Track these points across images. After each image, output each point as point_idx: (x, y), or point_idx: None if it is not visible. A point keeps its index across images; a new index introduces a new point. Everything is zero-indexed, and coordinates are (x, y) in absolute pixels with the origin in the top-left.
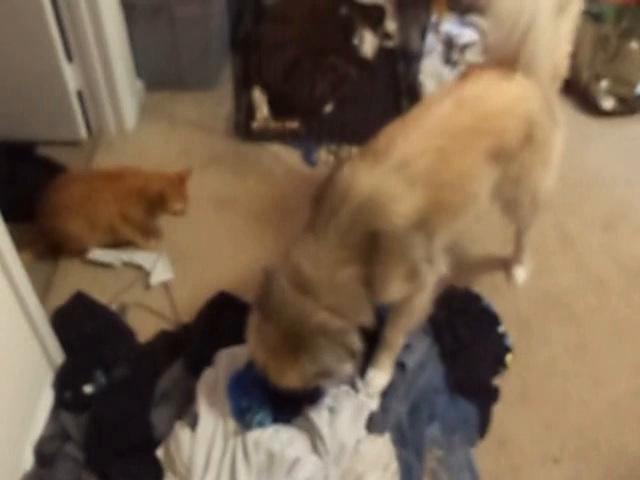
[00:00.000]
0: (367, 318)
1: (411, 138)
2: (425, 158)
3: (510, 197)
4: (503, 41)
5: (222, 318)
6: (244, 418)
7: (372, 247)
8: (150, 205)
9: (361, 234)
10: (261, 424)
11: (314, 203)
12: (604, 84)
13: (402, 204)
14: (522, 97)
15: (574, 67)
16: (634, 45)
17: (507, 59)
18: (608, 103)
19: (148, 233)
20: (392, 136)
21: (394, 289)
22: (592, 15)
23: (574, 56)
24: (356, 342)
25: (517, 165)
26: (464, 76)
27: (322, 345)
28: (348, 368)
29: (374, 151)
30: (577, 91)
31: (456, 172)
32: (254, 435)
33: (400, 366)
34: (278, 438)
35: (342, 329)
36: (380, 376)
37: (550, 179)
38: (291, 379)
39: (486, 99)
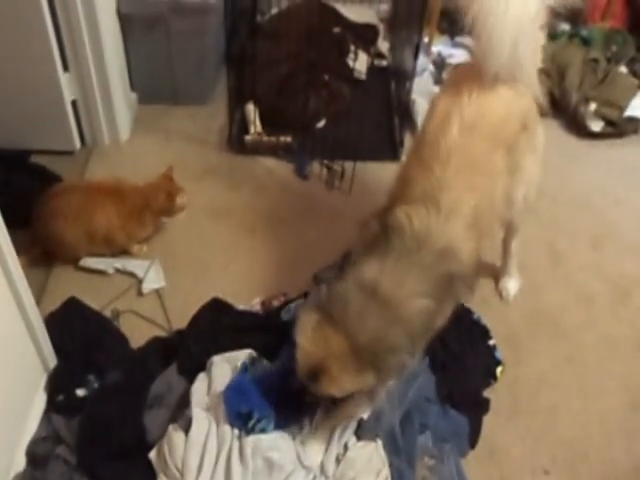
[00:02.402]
0: (418, 351)
1: (448, 183)
2: (467, 197)
3: (505, 190)
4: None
5: (216, 324)
6: (245, 424)
7: (444, 287)
8: (157, 214)
9: (440, 274)
10: (263, 431)
11: (367, 239)
12: (593, 107)
13: (468, 246)
14: (515, 97)
15: (564, 89)
16: (622, 69)
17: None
18: (597, 125)
19: (142, 241)
20: (425, 183)
21: (440, 327)
22: (581, 39)
23: (563, 79)
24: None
25: (514, 155)
26: (452, 87)
27: (391, 364)
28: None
29: (419, 199)
30: (566, 113)
31: (489, 200)
32: (252, 440)
33: None
34: (277, 446)
35: (409, 349)
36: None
37: (538, 171)
38: (344, 387)
39: (487, 114)
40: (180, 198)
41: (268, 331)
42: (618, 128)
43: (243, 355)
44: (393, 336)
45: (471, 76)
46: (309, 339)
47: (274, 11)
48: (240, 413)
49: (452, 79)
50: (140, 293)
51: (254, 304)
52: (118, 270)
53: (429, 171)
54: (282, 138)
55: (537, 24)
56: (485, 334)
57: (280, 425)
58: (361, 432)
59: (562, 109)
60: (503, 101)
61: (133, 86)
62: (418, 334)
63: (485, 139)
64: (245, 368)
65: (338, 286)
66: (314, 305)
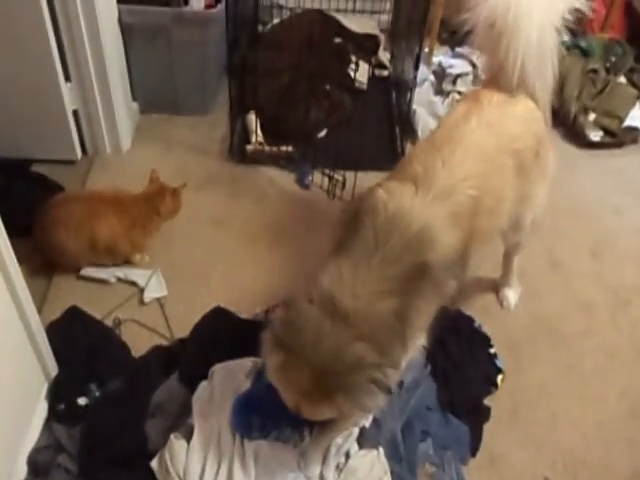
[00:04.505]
0: (397, 358)
1: (451, 164)
2: (468, 185)
3: (515, 216)
4: (499, 68)
5: (218, 332)
6: (257, 435)
7: (415, 279)
8: (165, 217)
9: (408, 265)
10: (277, 441)
11: (343, 228)
12: (592, 117)
13: (450, 235)
14: (533, 118)
15: (563, 100)
16: (621, 79)
17: (503, 82)
18: (596, 135)
19: (143, 250)
20: (428, 161)
21: (425, 325)
22: (580, 49)
23: (563, 89)
24: (391, 378)
25: (527, 182)
26: (473, 98)
27: (359, 384)
28: (381, 403)
29: (412, 176)
30: (566, 123)
31: (494, 196)
32: (254, 448)
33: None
34: (278, 454)
35: (377, 364)
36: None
37: (545, 195)
38: (327, 416)
39: (505, 122)
40: (178, 199)
41: None
42: (617, 138)
43: (245, 364)
44: (353, 353)
45: (489, 91)
46: (279, 382)
47: (275, 21)
48: (252, 425)
49: (470, 94)
50: (142, 302)
51: (256, 313)
52: (119, 279)
53: (437, 150)
54: (283, 148)
55: (558, 36)
56: (486, 342)
57: (283, 435)
58: (363, 440)
59: (561, 119)
60: (520, 118)
61: (134, 96)
62: (387, 342)
63: (501, 140)
64: (259, 375)
65: (291, 311)
66: (274, 341)
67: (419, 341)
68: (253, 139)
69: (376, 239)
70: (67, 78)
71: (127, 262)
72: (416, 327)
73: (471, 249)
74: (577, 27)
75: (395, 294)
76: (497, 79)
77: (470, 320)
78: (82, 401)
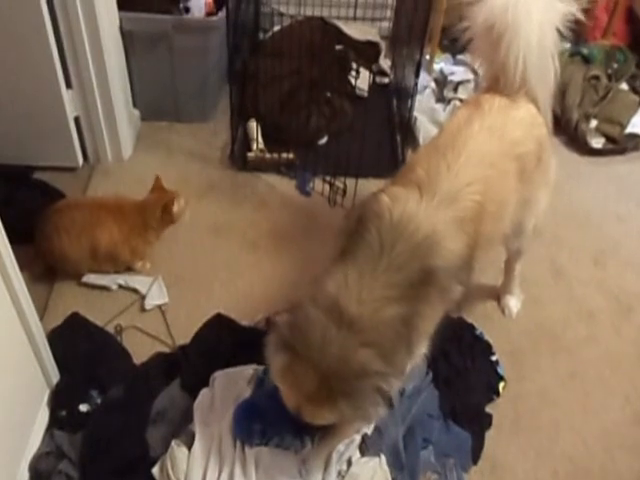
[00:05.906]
0: (401, 364)
1: (455, 169)
2: (472, 190)
3: (517, 221)
4: (499, 71)
5: (219, 339)
6: (258, 441)
7: (421, 285)
8: (160, 228)
9: (414, 271)
10: (278, 447)
11: (347, 234)
12: (594, 124)
13: (456, 240)
14: (534, 123)
15: (564, 106)
16: (623, 86)
17: (505, 86)
18: (598, 142)
19: (145, 257)
20: (432, 166)
21: (431, 331)
22: (582, 56)
23: (564, 96)
24: (394, 387)
25: (529, 187)
26: (474, 103)
27: (363, 391)
28: (382, 412)
29: (416, 182)
30: (567, 130)
31: (498, 201)
32: (255, 455)
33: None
34: (279, 461)
35: (383, 372)
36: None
37: (547, 200)
38: (328, 420)
39: (508, 126)
40: (177, 204)
41: None
42: (619, 145)
43: (247, 371)
44: (358, 360)
45: (492, 96)
46: (283, 382)
47: (276, 28)
48: (253, 431)
49: (472, 99)
50: (143, 309)
51: (257, 320)
52: (121, 286)
53: (440, 156)
54: (284, 155)
55: (558, 36)
56: (488, 349)
57: (284, 442)
58: (364, 447)
59: (563, 126)
60: (522, 122)
61: (136, 103)
62: (393, 349)
63: (504, 144)
64: (261, 382)
65: (298, 314)
66: (280, 342)
67: (423, 348)
68: (254, 146)
69: (382, 245)
70: (68, 85)
71: (128, 269)
72: (422, 333)
73: (476, 254)
74: (579, 34)
75: (401, 300)
76: (498, 84)
77: (472, 327)
78: (84, 408)
